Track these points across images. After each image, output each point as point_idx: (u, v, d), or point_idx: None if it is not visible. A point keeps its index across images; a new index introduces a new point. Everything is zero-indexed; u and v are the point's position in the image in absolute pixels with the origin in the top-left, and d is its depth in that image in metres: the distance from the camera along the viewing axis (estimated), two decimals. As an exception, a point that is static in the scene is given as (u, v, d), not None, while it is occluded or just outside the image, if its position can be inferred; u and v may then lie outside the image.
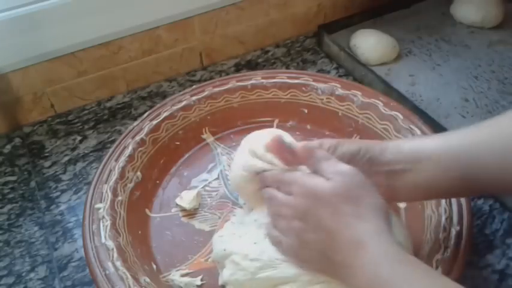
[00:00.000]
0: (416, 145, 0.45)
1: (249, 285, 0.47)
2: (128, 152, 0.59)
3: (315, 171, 0.42)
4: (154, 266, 0.52)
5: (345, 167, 0.41)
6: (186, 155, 0.64)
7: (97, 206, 0.53)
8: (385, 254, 0.37)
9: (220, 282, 0.50)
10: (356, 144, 0.45)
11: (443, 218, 0.50)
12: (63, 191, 0.63)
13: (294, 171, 0.45)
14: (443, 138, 0.44)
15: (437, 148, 0.43)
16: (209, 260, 0.53)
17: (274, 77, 0.68)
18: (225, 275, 0.48)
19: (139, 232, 0.55)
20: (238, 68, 0.82)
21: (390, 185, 0.44)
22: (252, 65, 0.82)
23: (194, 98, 0.66)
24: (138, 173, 0.59)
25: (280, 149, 0.46)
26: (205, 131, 0.67)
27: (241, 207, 0.58)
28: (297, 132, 0.66)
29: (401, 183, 0.43)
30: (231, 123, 0.67)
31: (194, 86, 0.68)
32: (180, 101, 0.65)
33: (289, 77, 0.67)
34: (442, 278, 0.36)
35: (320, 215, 0.40)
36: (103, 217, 0.52)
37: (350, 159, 0.44)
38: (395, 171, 0.43)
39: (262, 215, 0.49)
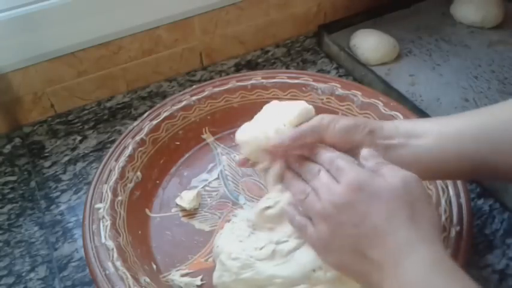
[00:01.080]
0: (412, 124, 0.46)
1: (234, 286, 0.47)
2: (127, 152, 0.59)
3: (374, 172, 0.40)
4: (154, 266, 0.52)
5: (407, 173, 0.40)
6: (186, 155, 0.64)
7: (97, 206, 0.53)
8: (439, 263, 0.36)
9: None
10: (352, 119, 0.46)
11: (443, 218, 0.50)
12: (63, 191, 0.63)
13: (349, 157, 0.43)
14: (440, 118, 0.46)
15: (433, 127, 0.44)
16: (209, 260, 0.53)
17: (274, 77, 0.68)
18: (214, 277, 0.49)
19: (139, 232, 0.55)
20: (238, 68, 0.82)
21: (387, 159, 0.43)
22: (252, 65, 0.82)
23: (194, 98, 0.66)
24: (138, 173, 0.59)
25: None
26: (205, 131, 0.67)
27: (241, 207, 0.58)
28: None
29: (397, 158, 0.43)
30: (231, 123, 0.67)
31: (194, 86, 0.68)
32: (180, 101, 0.65)
33: (289, 77, 0.67)
34: None
35: (370, 212, 0.38)
36: (103, 217, 0.52)
37: (350, 131, 0.44)
38: (392, 145, 0.44)
39: (255, 213, 0.49)
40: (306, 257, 0.45)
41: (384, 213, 0.38)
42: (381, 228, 0.37)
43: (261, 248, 0.47)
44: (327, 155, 0.43)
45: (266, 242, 0.47)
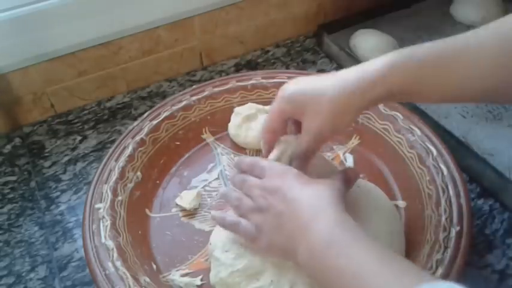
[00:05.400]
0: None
1: (231, 280, 0.47)
2: (127, 152, 0.59)
3: None
4: (154, 266, 0.52)
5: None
6: (186, 155, 0.64)
7: (97, 206, 0.53)
8: (344, 222, 0.40)
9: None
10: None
11: (443, 218, 0.50)
12: (63, 191, 0.63)
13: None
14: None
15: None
16: (209, 259, 0.53)
17: (274, 77, 0.68)
18: (211, 276, 0.49)
19: (139, 232, 0.55)
20: (238, 68, 0.82)
21: None
22: (252, 65, 0.82)
23: (194, 98, 0.66)
24: (138, 173, 0.59)
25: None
26: (205, 131, 0.67)
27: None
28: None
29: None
30: (231, 123, 0.67)
31: (194, 86, 0.68)
32: (180, 101, 0.65)
33: (289, 77, 0.67)
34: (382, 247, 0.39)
35: (290, 186, 0.43)
36: (103, 217, 0.52)
37: None
38: None
39: None
40: None
41: (299, 186, 0.43)
42: (297, 198, 0.42)
43: None
44: (246, 160, 0.49)
45: None
